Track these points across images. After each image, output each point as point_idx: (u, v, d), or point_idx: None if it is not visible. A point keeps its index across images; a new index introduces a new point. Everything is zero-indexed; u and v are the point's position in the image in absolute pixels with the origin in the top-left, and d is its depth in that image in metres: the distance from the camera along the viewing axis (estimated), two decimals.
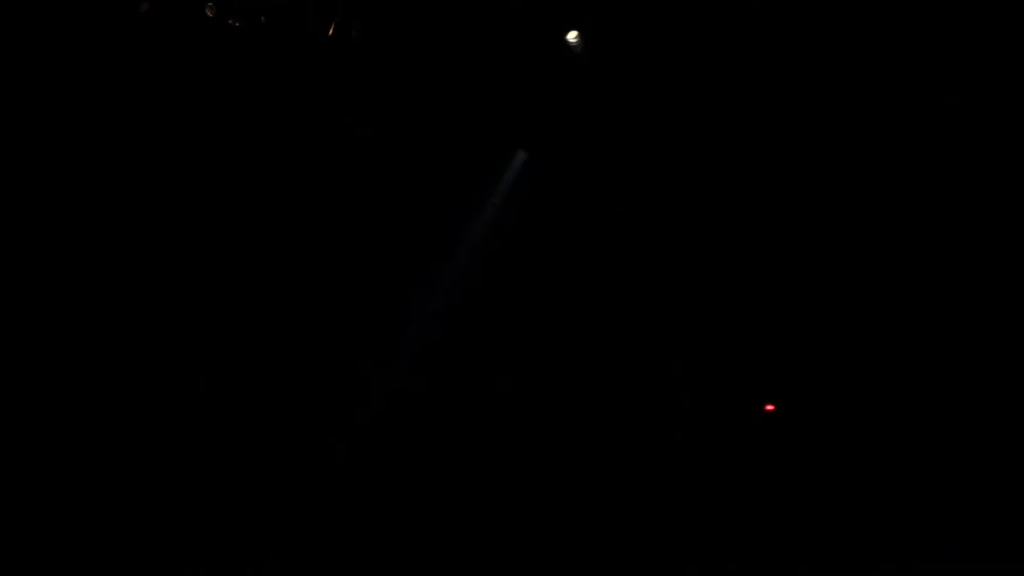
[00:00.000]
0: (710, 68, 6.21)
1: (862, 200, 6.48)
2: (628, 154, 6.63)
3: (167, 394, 5.92)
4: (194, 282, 6.10)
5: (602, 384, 6.69)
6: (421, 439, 6.36)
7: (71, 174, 5.83)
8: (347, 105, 6.22)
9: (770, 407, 6.66)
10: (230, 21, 5.71)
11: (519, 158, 6.75)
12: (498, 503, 6.30)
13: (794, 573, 6.13)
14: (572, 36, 6.27)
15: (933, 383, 6.43)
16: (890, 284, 6.58)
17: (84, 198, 5.86)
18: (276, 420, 6.10)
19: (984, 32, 5.54)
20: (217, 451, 5.91)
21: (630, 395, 6.70)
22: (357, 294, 6.47)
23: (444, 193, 6.65)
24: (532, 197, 6.75)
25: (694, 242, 6.75)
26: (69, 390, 5.67)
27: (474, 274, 6.70)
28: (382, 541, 5.98)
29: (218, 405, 6.01)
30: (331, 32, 5.87)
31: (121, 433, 5.74)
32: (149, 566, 5.42)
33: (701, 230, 6.72)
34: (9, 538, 5.15)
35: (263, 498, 5.87)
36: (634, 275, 6.76)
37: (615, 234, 6.74)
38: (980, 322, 6.39)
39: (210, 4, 5.66)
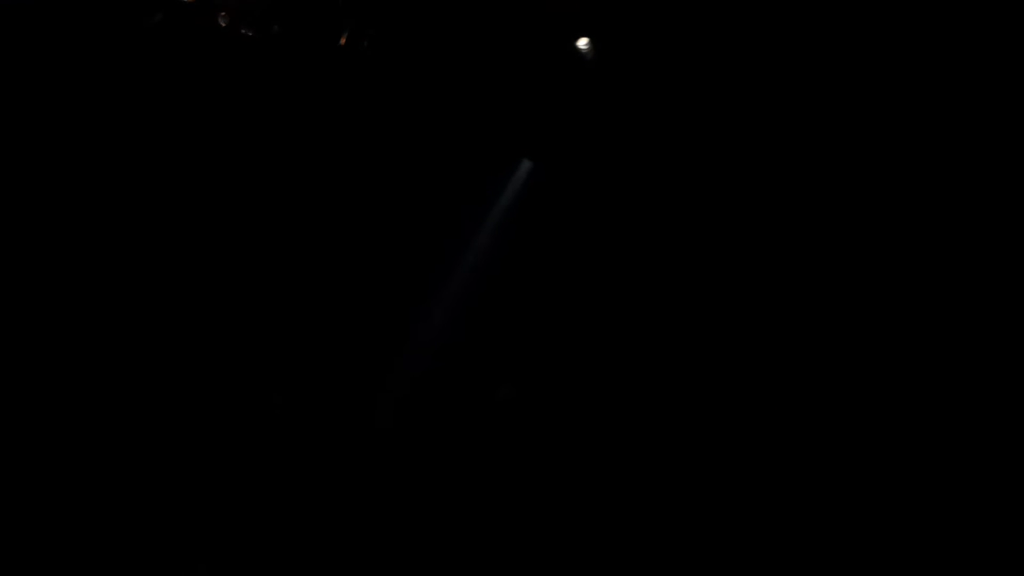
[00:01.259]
0: (721, 74, 6.20)
1: (864, 209, 6.48)
2: (635, 162, 6.65)
3: (173, 395, 5.99)
4: (208, 286, 6.18)
5: (605, 389, 6.74)
6: (426, 445, 6.44)
7: (87, 182, 5.89)
8: (357, 114, 6.26)
9: (766, 407, 6.70)
10: (242, 30, 5.75)
11: (524, 167, 6.79)
12: (499, 506, 6.38)
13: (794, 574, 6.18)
14: (583, 43, 6.28)
15: (935, 385, 6.43)
16: (892, 286, 6.58)
17: (102, 205, 5.93)
18: (282, 424, 6.20)
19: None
20: (220, 453, 5.99)
21: (632, 399, 6.75)
22: (362, 302, 6.54)
23: (452, 200, 6.70)
24: (537, 206, 6.79)
25: (698, 249, 6.76)
26: (69, 390, 5.74)
27: (479, 283, 6.76)
28: (386, 543, 6.06)
29: (221, 408, 6.09)
30: (343, 42, 5.92)
31: (123, 434, 5.81)
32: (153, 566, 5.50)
33: (705, 237, 6.74)
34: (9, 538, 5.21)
35: (264, 501, 5.95)
36: (636, 283, 6.79)
37: (618, 242, 6.77)
38: (980, 322, 6.38)
39: (223, 13, 5.70)
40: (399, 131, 6.46)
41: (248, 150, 6.16)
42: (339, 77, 6.07)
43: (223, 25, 5.73)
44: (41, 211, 5.64)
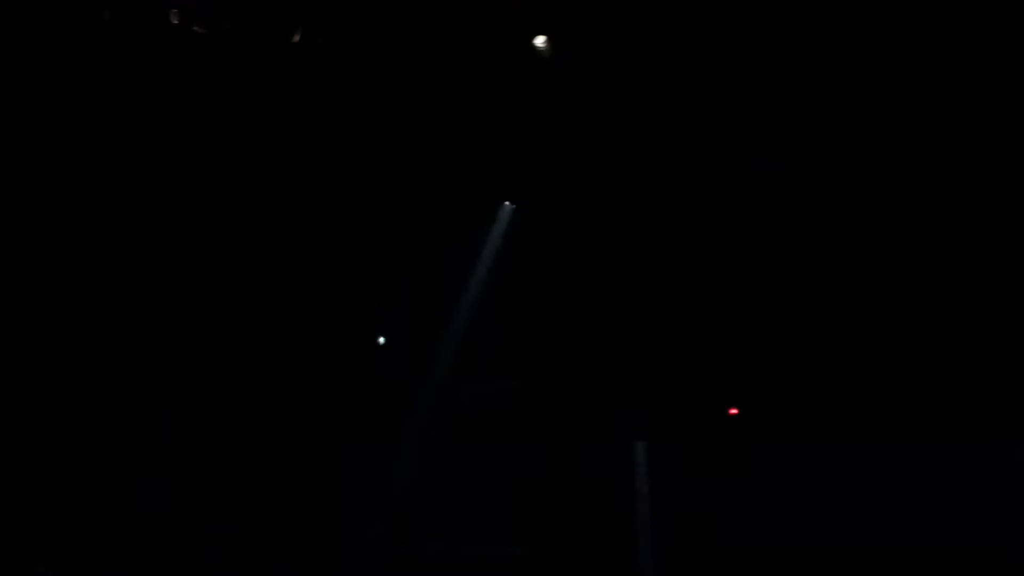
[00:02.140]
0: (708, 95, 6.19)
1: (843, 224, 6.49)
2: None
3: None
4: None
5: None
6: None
7: (48, 176, 5.88)
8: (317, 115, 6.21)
9: (734, 410, 6.73)
10: (195, 28, 5.69)
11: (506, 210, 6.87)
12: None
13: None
14: (540, 41, 6.26)
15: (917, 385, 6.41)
16: (874, 289, 6.57)
17: (64, 199, 5.91)
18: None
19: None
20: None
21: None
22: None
23: (443, 208, 6.79)
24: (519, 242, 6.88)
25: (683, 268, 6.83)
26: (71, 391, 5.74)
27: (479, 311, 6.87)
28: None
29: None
30: (296, 39, 5.86)
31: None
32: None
33: (689, 258, 6.79)
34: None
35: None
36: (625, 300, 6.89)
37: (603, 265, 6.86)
38: (966, 324, 6.36)
39: (174, 11, 5.64)
40: (355, 127, 6.42)
41: (202, 147, 6.13)
42: (293, 75, 6.02)
43: (175, 23, 5.67)
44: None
